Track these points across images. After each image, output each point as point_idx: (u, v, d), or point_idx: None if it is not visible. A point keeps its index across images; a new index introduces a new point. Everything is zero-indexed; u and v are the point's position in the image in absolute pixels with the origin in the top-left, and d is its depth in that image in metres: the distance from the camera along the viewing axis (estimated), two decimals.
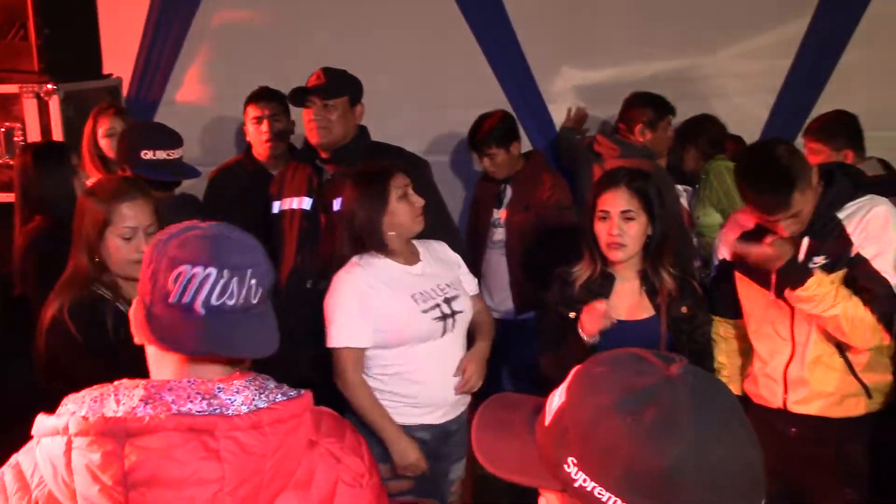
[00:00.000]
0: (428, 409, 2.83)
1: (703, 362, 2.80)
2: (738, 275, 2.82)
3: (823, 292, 2.57)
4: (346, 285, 2.76)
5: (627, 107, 4.11)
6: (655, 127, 4.07)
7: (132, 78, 4.50)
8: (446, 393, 2.84)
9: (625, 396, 0.93)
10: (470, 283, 3.01)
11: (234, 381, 1.29)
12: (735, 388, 2.88)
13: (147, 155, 3.04)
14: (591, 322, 2.62)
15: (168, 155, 3.06)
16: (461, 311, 2.84)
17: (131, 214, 2.46)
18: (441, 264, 2.92)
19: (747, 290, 2.81)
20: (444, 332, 2.80)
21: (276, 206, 3.34)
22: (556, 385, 1.05)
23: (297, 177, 3.31)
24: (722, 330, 2.96)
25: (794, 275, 2.60)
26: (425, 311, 2.77)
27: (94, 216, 2.43)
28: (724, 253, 2.87)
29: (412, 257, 2.87)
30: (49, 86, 3.84)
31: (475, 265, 4.15)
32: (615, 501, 0.91)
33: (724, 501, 0.92)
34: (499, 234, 4.13)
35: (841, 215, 2.62)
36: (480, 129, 4.04)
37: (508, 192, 4.09)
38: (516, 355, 4.17)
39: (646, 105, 4.09)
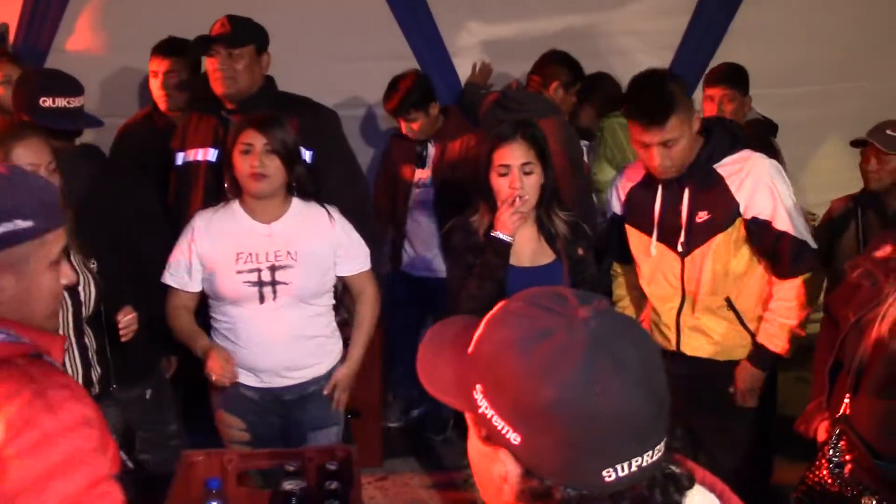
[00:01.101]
0: (247, 371, 2.85)
1: None
2: (627, 227, 2.95)
3: (784, 334, 2.80)
4: (187, 227, 2.85)
5: (546, 62, 4.17)
6: (568, 89, 4.14)
7: (19, 24, 4.26)
8: (267, 360, 2.83)
9: (526, 333, 0.96)
10: (354, 260, 2.92)
11: None
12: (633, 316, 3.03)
13: (46, 102, 2.90)
14: (508, 218, 2.69)
15: (68, 103, 2.92)
16: (287, 283, 2.76)
17: (27, 153, 2.46)
18: (305, 233, 2.81)
19: (637, 241, 2.93)
20: (262, 299, 2.76)
21: (181, 158, 3.25)
22: None
23: (202, 127, 3.23)
24: (617, 268, 3.13)
25: (765, 365, 2.84)
26: (240, 272, 2.75)
27: None
28: (615, 206, 2.99)
29: (271, 216, 2.80)
30: None
31: (397, 226, 4.15)
32: (507, 430, 0.95)
33: (602, 443, 0.94)
34: (422, 194, 4.10)
35: (720, 169, 2.74)
36: (396, 94, 3.96)
37: (430, 150, 4.06)
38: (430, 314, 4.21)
39: (566, 66, 4.16)
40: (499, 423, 0.96)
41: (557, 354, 0.94)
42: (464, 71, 4.61)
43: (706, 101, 3.99)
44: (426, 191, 4.09)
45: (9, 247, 1.46)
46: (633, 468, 0.95)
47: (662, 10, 4.66)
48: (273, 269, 2.76)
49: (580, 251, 2.84)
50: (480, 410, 0.97)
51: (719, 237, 2.75)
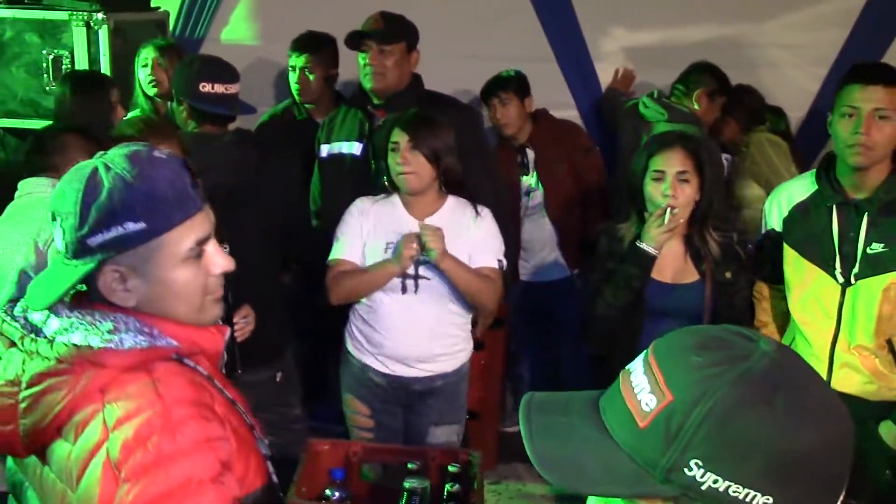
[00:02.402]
0: (382, 357, 2.91)
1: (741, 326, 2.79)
2: (785, 247, 2.78)
3: None
4: (350, 209, 2.90)
5: (694, 71, 4.06)
6: (713, 99, 4.03)
7: (179, 12, 4.45)
8: (400, 349, 2.89)
9: (746, 385, 0.89)
10: (486, 254, 2.90)
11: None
12: None
13: (205, 87, 3.00)
14: (656, 231, 2.62)
15: (226, 89, 3.03)
16: (429, 279, 2.82)
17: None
18: (453, 232, 2.82)
19: (795, 263, 2.75)
20: (405, 290, 2.83)
21: (325, 150, 3.33)
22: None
23: (348, 121, 3.29)
24: (763, 290, 2.94)
25: None
26: None
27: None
28: (773, 222, 2.83)
29: (425, 211, 2.86)
30: (99, 15, 3.80)
31: (513, 239, 4.12)
32: (752, 495, 0.88)
33: (836, 476, 0.92)
34: (535, 198, 4.05)
35: None
36: (495, 78, 3.99)
37: (530, 155, 4.02)
38: (552, 320, 4.18)
39: (713, 75, 4.04)
40: (740, 491, 0.88)
41: (795, 398, 0.89)
42: (605, 77, 4.54)
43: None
44: (537, 194, 4.05)
45: (123, 251, 1.34)
46: (842, 497, 0.92)
47: (819, 22, 4.47)
48: (417, 263, 2.82)
49: (728, 274, 2.74)
50: (704, 487, 0.89)
51: (892, 275, 2.55)
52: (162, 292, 1.39)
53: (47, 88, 3.83)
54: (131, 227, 1.32)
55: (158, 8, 4.40)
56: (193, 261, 1.40)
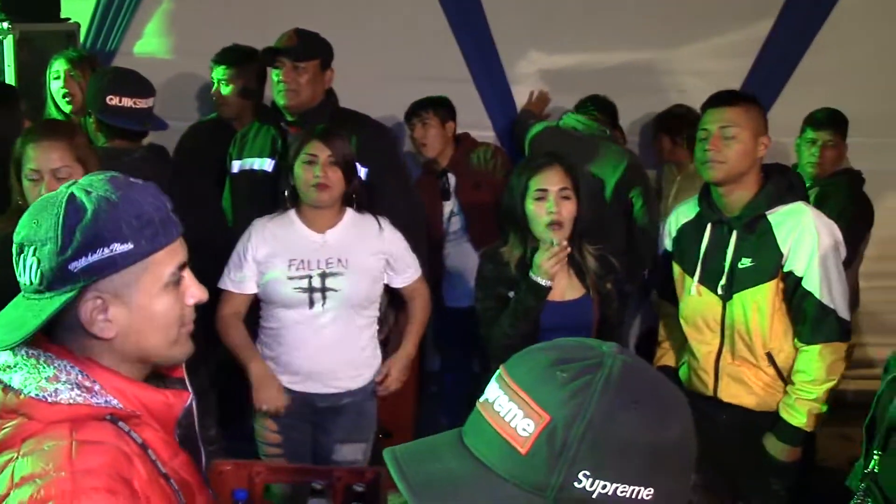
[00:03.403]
0: (289, 374, 2.91)
1: (620, 330, 3.05)
2: (675, 265, 2.91)
3: (802, 408, 2.70)
4: (245, 234, 2.91)
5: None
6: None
7: (90, 24, 4.36)
8: (308, 364, 2.90)
9: (613, 390, 0.93)
10: (406, 270, 3.00)
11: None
12: (671, 360, 3.04)
13: (112, 101, 2.95)
14: (548, 264, 2.68)
15: (134, 103, 2.98)
16: (337, 290, 2.83)
17: (34, 157, 2.47)
18: (357, 242, 2.89)
19: (680, 280, 2.90)
20: (312, 304, 2.83)
21: (237, 166, 3.30)
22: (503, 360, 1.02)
23: (261, 137, 3.27)
24: (664, 307, 3.08)
25: (792, 439, 2.74)
26: (291, 278, 2.83)
27: (13, 157, 2.51)
28: (667, 242, 2.97)
29: (325, 225, 2.89)
30: (4, 24, 3.71)
31: (433, 264, 4.14)
32: (636, 491, 0.91)
33: (688, 462, 0.98)
34: (455, 223, 4.09)
35: (770, 217, 2.69)
36: (419, 100, 4.05)
37: (452, 180, 4.05)
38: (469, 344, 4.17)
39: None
40: (626, 490, 0.91)
41: (656, 395, 0.96)
42: (521, 98, 4.61)
43: (807, 144, 3.93)
44: (458, 219, 4.08)
45: (108, 275, 1.29)
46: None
47: (725, 51, 4.62)
48: (324, 275, 2.83)
49: (608, 285, 2.85)
50: (595, 495, 0.91)
51: (763, 287, 2.69)
52: (141, 323, 1.34)
53: None
54: (118, 248, 1.28)
55: (69, 19, 4.30)
56: (173, 288, 1.37)
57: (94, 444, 1.26)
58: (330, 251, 2.86)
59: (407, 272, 3.02)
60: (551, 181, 2.74)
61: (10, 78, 3.73)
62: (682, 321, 2.90)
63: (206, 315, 2.89)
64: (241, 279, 2.90)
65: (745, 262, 2.70)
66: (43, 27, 4.08)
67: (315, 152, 2.81)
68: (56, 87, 3.75)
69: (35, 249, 1.28)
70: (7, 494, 1.21)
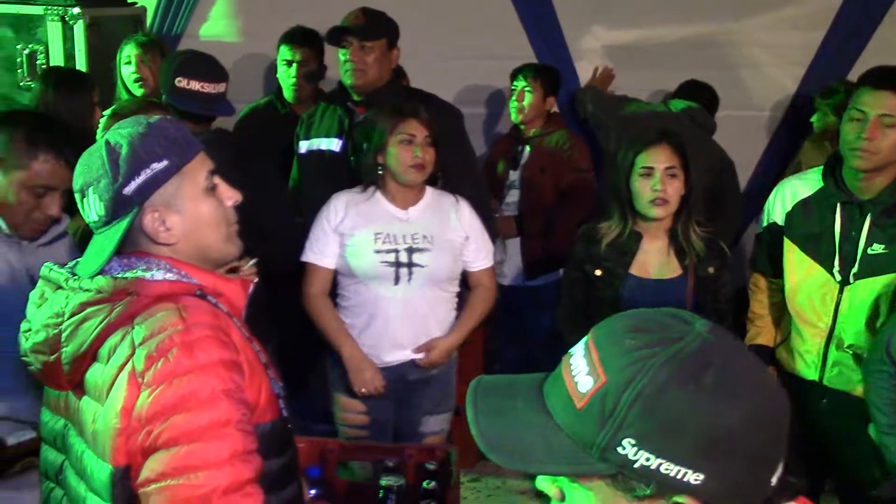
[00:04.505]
0: (377, 350, 2.92)
1: (723, 321, 2.81)
2: (786, 241, 2.74)
3: None
4: (326, 206, 2.91)
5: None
6: None
7: (157, 8, 4.41)
8: (398, 340, 2.91)
9: (676, 365, 0.92)
10: (478, 254, 2.99)
11: None
12: (767, 339, 2.89)
13: (181, 83, 2.98)
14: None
15: (202, 87, 3.00)
16: (422, 266, 2.84)
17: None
18: (439, 220, 2.90)
19: (794, 259, 2.72)
20: (398, 279, 2.83)
21: (304, 146, 3.31)
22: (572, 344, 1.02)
23: (328, 117, 3.27)
24: (760, 282, 2.93)
25: None
26: (378, 252, 2.83)
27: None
28: (776, 215, 2.79)
29: (408, 202, 2.89)
30: (75, 9, 3.77)
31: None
32: (683, 472, 0.91)
33: (770, 447, 0.95)
34: (511, 195, 4.10)
35: None
36: (531, 64, 4.07)
37: (525, 153, 4.05)
38: (527, 322, 4.17)
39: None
40: (671, 468, 0.91)
41: (724, 376, 0.92)
42: (585, 75, 4.55)
43: None
44: (515, 192, 4.07)
45: (155, 189, 1.53)
46: (779, 472, 0.96)
47: (796, 23, 4.49)
48: (410, 251, 2.84)
49: (711, 270, 2.78)
50: (637, 465, 0.91)
51: (890, 277, 2.54)
52: (195, 224, 1.58)
53: (21, 84, 3.79)
54: (157, 166, 1.52)
55: (135, 3, 4.36)
56: (211, 193, 1.60)
57: (196, 306, 1.51)
58: (415, 227, 2.88)
59: (479, 258, 3.01)
60: (658, 159, 2.71)
61: (80, 63, 3.79)
62: (788, 300, 2.76)
63: (270, 296, 2.91)
64: (323, 251, 2.91)
65: (877, 248, 2.54)
66: (110, 12, 4.13)
67: (413, 132, 2.82)
68: (127, 71, 3.80)
69: (92, 188, 1.53)
70: (132, 355, 1.43)
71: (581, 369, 0.97)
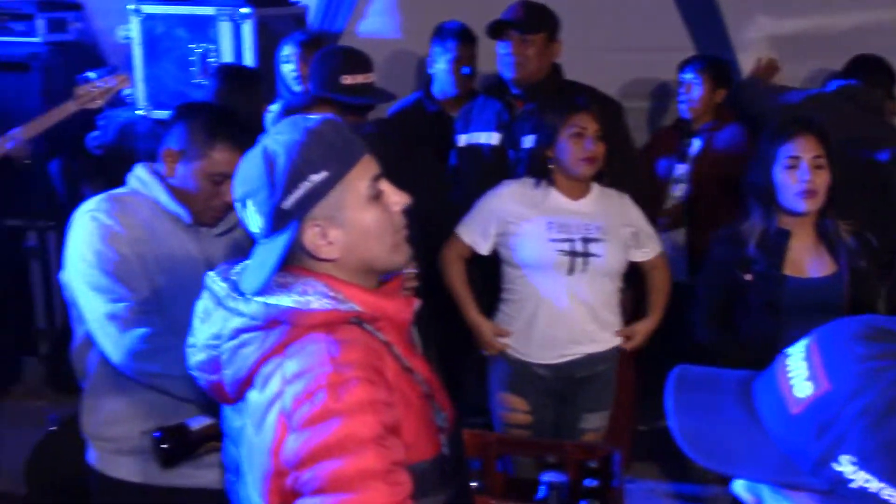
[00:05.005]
0: (546, 346, 2.90)
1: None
2: None
3: None
4: (495, 190, 2.93)
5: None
6: None
7: (318, 6, 4.53)
8: (568, 334, 2.88)
9: None
10: (647, 243, 3.00)
11: None
12: None
13: (347, 80, 3.05)
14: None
15: (365, 78, 3.07)
16: (597, 256, 2.82)
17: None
18: (608, 213, 2.90)
19: None
20: (572, 269, 2.80)
21: (463, 140, 3.33)
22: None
23: (486, 111, 3.28)
24: None
25: None
26: (553, 240, 2.81)
27: None
28: None
29: (578, 194, 2.89)
30: (244, 10, 3.92)
31: None
32: None
33: None
34: (677, 189, 3.96)
35: None
36: (700, 55, 3.98)
37: (694, 146, 3.93)
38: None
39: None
40: (894, 495, 0.82)
41: None
42: (747, 68, 4.36)
43: None
44: (682, 186, 3.93)
45: (316, 203, 1.45)
46: None
47: None
48: (586, 240, 2.83)
49: (863, 263, 2.65)
50: (853, 485, 0.83)
51: None
52: (358, 237, 1.48)
53: (194, 81, 3.97)
54: (316, 178, 1.44)
55: (298, 2, 4.50)
56: (375, 200, 1.49)
57: (348, 341, 1.42)
58: (588, 218, 2.88)
59: (649, 245, 3.01)
60: (804, 148, 2.59)
61: (247, 61, 3.94)
62: None
63: (432, 292, 2.94)
64: (474, 227, 2.94)
65: None
66: (275, 11, 4.28)
67: (585, 125, 2.81)
68: (287, 69, 3.92)
69: (252, 200, 1.47)
70: (281, 391, 1.39)
71: (799, 373, 0.89)
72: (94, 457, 2.28)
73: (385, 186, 1.52)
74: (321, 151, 1.45)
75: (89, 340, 2.16)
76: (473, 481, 2.37)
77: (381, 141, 3.02)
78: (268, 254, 1.47)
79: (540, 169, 2.87)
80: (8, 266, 4.46)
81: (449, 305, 3.02)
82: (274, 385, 1.40)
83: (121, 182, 2.28)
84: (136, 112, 4.10)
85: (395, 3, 4.61)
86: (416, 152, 3.29)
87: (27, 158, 3.80)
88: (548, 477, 2.33)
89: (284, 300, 1.43)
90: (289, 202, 1.44)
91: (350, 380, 1.37)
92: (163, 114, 3.99)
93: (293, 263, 1.49)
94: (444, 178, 3.38)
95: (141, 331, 2.00)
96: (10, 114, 3.98)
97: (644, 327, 3.01)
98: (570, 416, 3.00)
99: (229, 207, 2.29)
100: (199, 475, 2.12)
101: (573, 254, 2.82)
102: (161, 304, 2.05)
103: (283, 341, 1.42)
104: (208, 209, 2.24)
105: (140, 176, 2.22)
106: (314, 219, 1.46)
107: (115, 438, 2.20)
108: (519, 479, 2.57)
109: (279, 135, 1.48)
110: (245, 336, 1.44)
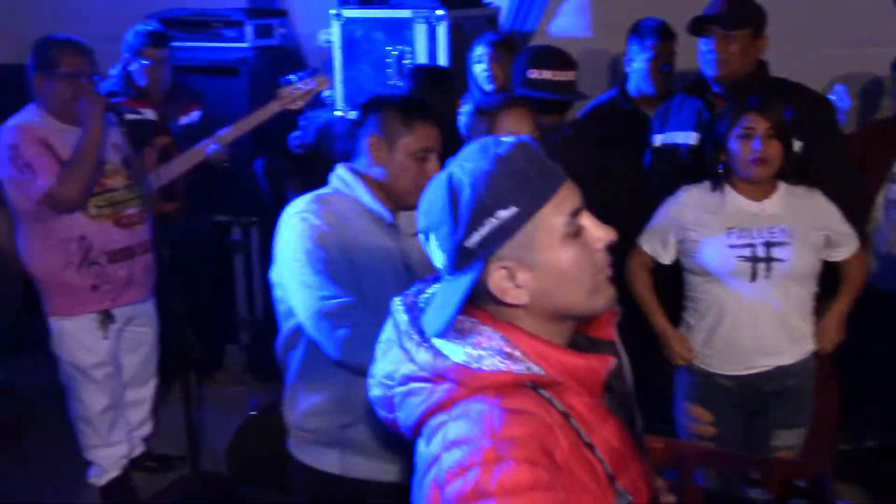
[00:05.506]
0: (730, 356, 2.78)
1: None
2: None
3: None
4: (673, 198, 2.87)
5: None
6: None
7: (510, 6, 4.55)
8: (751, 342, 2.75)
9: None
10: (842, 241, 2.85)
11: None
12: None
13: (533, 74, 3.06)
14: None
15: (553, 75, 3.06)
16: (782, 261, 2.68)
17: (507, 124, 2.51)
18: (795, 213, 2.75)
19: None
20: (755, 276, 2.70)
21: (659, 140, 3.23)
22: None
23: (685, 110, 3.16)
24: None
25: None
26: (733, 247, 2.70)
27: None
28: None
29: (760, 195, 2.76)
30: (439, 12, 3.98)
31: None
32: None
33: None
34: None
35: None
36: None
37: None
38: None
39: None
40: None
41: None
42: None
43: None
44: None
45: (503, 242, 1.29)
46: None
47: None
48: (768, 245, 2.71)
49: None
50: None
51: None
52: (551, 281, 1.31)
53: (389, 82, 4.08)
54: (504, 214, 1.27)
55: (490, 3, 4.52)
56: (573, 238, 1.31)
57: (516, 412, 1.26)
58: (771, 220, 2.75)
59: (845, 245, 2.86)
60: None
61: (441, 62, 4.00)
62: None
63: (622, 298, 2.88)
64: (657, 246, 2.91)
65: None
66: (467, 12, 4.32)
67: (752, 125, 2.69)
68: (479, 69, 3.95)
69: (435, 234, 1.32)
70: (439, 457, 1.26)
71: None
72: (294, 446, 2.37)
73: (586, 221, 1.33)
74: (511, 183, 1.27)
75: (294, 337, 2.26)
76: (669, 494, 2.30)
77: (577, 141, 2.99)
78: (450, 294, 1.33)
79: (715, 171, 2.79)
80: (214, 259, 4.73)
81: (636, 312, 2.94)
82: (435, 446, 1.28)
83: (318, 180, 2.36)
84: (335, 113, 4.26)
85: (587, 2, 4.55)
86: (612, 152, 3.23)
87: (227, 162, 4.02)
88: (752, 493, 2.22)
89: (456, 353, 1.30)
90: (472, 240, 1.28)
91: (508, 459, 1.21)
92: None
93: (478, 305, 1.35)
94: (640, 178, 3.30)
95: (352, 326, 2.05)
96: (219, 115, 4.23)
97: (832, 321, 2.86)
98: (761, 432, 2.86)
99: None
100: (393, 471, 2.16)
101: (755, 259, 2.71)
102: (365, 300, 2.10)
103: (448, 399, 1.29)
104: (417, 189, 2.27)
105: (342, 176, 2.29)
106: (501, 259, 1.30)
107: (315, 430, 2.28)
108: (718, 494, 2.46)
109: (466, 161, 1.32)
110: (413, 385, 1.34)
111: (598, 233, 1.32)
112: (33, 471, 3.76)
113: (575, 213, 1.31)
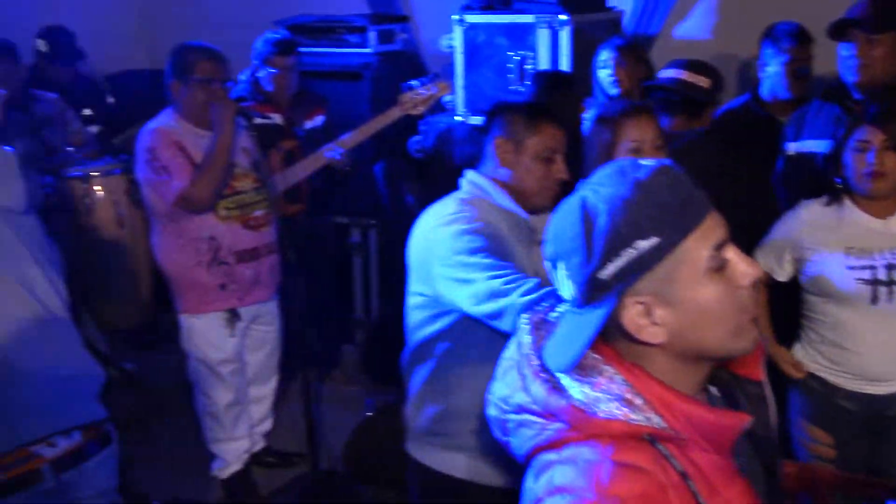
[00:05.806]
0: (852, 377, 2.66)
1: None
2: None
3: None
4: (793, 212, 2.77)
5: None
6: None
7: (634, 10, 4.48)
8: (875, 367, 2.63)
9: None
10: None
11: None
12: None
13: (663, 73, 3.00)
14: None
15: (677, 74, 2.99)
16: None
17: (631, 130, 2.45)
18: None
19: None
20: (875, 299, 2.57)
21: (793, 148, 3.11)
22: None
23: (822, 118, 3.04)
24: None
25: None
26: (851, 269, 2.57)
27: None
28: None
29: (885, 211, 2.62)
30: (562, 17, 3.95)
31: None
32: None
33: None
34: None
35: None
36: None
37: None
38: None
39: None
40: None
41: None
42: None
43: None
44: None
45: (641, 275, 1.20)
46: None
47: None
48: (890, 267, 2.58)
49: None
50: None
51: None
52: (692, 319, 1.22)
53: (510, 88, 4.07)
54: (642, 245, 1.18)
55: (613, 7, 4.46)
56: (717, 273, 1.21)
57: (628, 467, 1.17)
58: (894, 241, 2.60)
59: None
60: None
61: (564, 67, 3.97)
62: None
63: None
64: (769, 255, 2.80)
65: None
66: (591, 17, 4.27)
67: (868, 137, 2.56)
68: (604, 74, 3.90)
69: (564, 263, 1.24)
70: (542, 500, 1.20)
71: None
72: (416, 448, 2.39)
73: (732, 254, 1.23)
74: (652, 212, 1.18)
75: (422, 351, 2.29)
76: None
77: (703, 148, 2.92)
78: (578, 329, 1.24)
79: (833, 185, 2.66)
80: (334, 260, 4.83)
81: None
82: (540, 487, 1.21)
83: (437, 184, 2.39)
84: (455, 118, 4.28)
85: (713, 4, 4.44)
86: (741, 157, 3.14)
87: (347, 166, 4.09)
88: None
89: (573, 390, 1.22)
90: (607, 272, 1.19)
91: None
92: (479, 120, 4.14)
93: (605, 340, 1.27)
94: (770, 187, 3.19)
95: (523, 288, 1.96)
96: (342, 119, 4.31)
97: None
98: (888, 456, 2.73)
99: (562, 182, 2.33)
100: (519, 478, 2.15)
101: (875, 282, 2.58)
102: None
103: (560, 440, 1.22)
104: (543, 189, 2.31)
105: (474, 180, 2.31)
106: (637, 294, 1.21)
107: (443, 434, 2.29)
108: None
109: (602, 186, 1.22)
110: (526, 416, 1.26)
111: (744, 268, 1.23)
112: (160, 462, 3.91)
113: (720, 246, 1.22)
